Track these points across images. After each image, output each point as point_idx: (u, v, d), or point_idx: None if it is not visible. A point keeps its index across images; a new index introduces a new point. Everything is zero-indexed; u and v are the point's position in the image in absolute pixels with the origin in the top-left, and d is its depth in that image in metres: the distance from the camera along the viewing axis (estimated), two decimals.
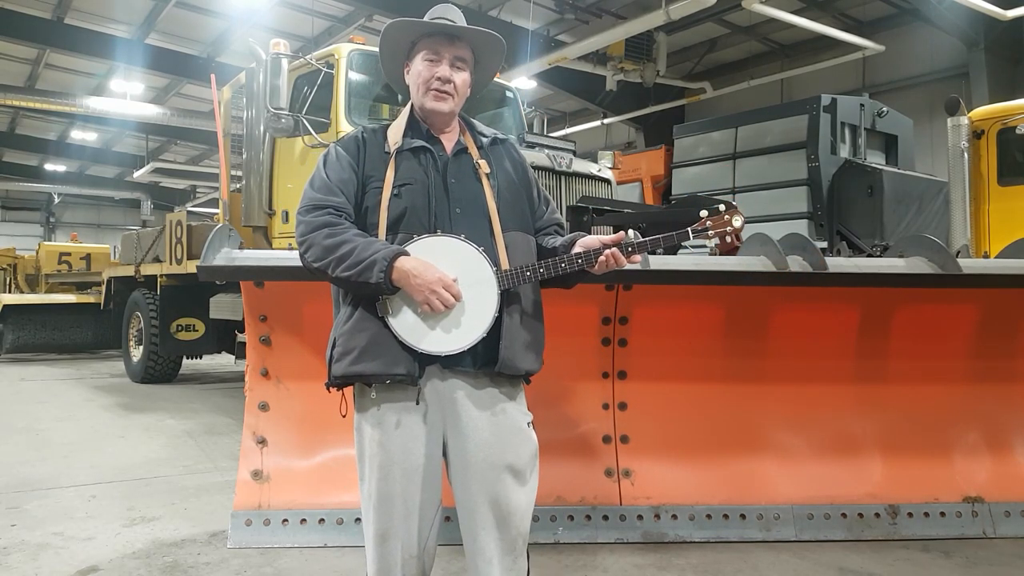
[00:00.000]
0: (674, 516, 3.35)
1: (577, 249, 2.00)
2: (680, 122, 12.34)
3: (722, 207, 2.06)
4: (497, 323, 1.92)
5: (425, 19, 2.06)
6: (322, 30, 14.69)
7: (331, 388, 2.01)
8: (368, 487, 1.97)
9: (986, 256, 6.43)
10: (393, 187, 1.97)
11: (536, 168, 5.22)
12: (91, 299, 11.81)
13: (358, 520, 3.22)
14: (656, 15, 10.91)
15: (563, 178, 5.41)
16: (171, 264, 8.01)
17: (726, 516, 3.36)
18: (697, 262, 3.35)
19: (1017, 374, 3.62)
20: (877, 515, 3.37)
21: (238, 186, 6.42)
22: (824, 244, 7.94)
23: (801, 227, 8.17)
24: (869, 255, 4.73)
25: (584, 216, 5.00)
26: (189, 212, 8.96)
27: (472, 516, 1.97)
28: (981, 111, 7.59)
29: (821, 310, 3.48)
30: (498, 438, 1.97)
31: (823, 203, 8.29)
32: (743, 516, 3.36)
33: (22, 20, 13.49)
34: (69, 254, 14.12)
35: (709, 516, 3.35)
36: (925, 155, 12.01)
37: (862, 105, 9.01)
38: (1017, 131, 7.08)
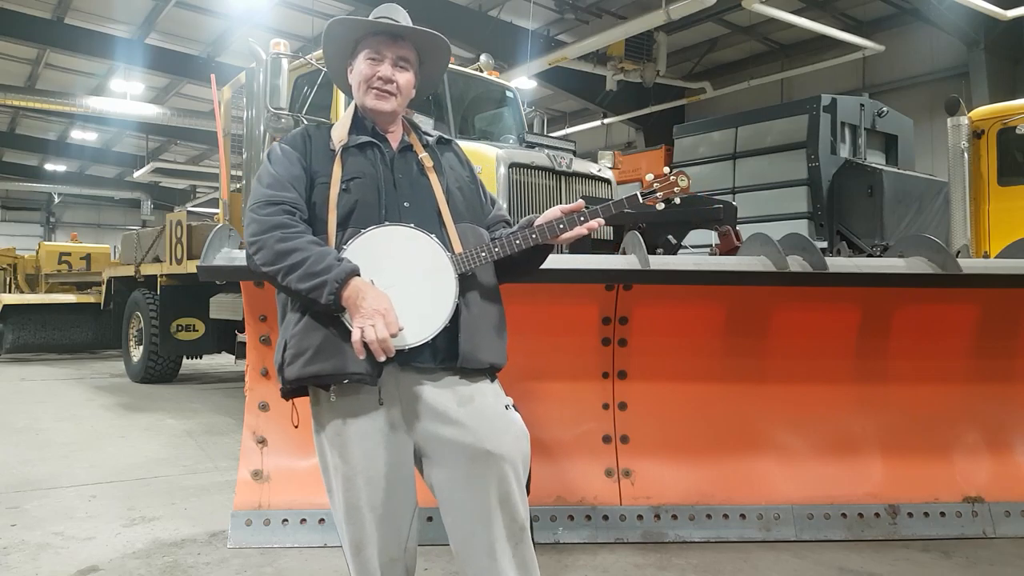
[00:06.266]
0: (674, 516, 3.35)
1: (556, 215, 1.97)
2: (680, 122, 12.35)
3: (667, 170, 2.12)
4: (454, 317, 1.87)
5: (368, 18, 2.03)
6: (322, 30, 14.68)
7: (285, 398, 1.93)
8: (336, 498, 1.93)
9: (986, 256, 6.43)
10: (342, 182, 1.93)
11: (536, 168, 5.22)
12: (91, 299, 11.81)
13: None
14: (656, 15, 10.93)
15: (563, 178, 5.40)
16: (171, 264, 8.01)
17: (726, 516, 3.36)
18: (697, 262, 3.35)
19: (1017, 374, 3.62)
20: (877, 515, 3.37)
21: (238, 186, 6.42)
22: (824, 244, 7.95)
23: (801, 227, 8.18)
24: (869, 255, 4.73)
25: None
26: (189, 212, 8.97)
27: (460, 510, 1.89)
28: (981, 111, 7.59)
29: (821, 310, 3.48)
30: (477, 423, 1.89)
31: (823, 203, 8.30)
32: (743, 516, 3.36)
33: (22, 20, 13.52)
34: (69, 254, 14.12)
35: (709, 516, 3.35)
36: (925, 155, 12.03)
37: (862, 105, 9.03)
38: (1017, 131, 7.08)
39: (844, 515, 3.37)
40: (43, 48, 15.20)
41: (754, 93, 15.26)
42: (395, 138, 2.07)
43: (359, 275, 1.79)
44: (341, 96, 5.41)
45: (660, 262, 3.24)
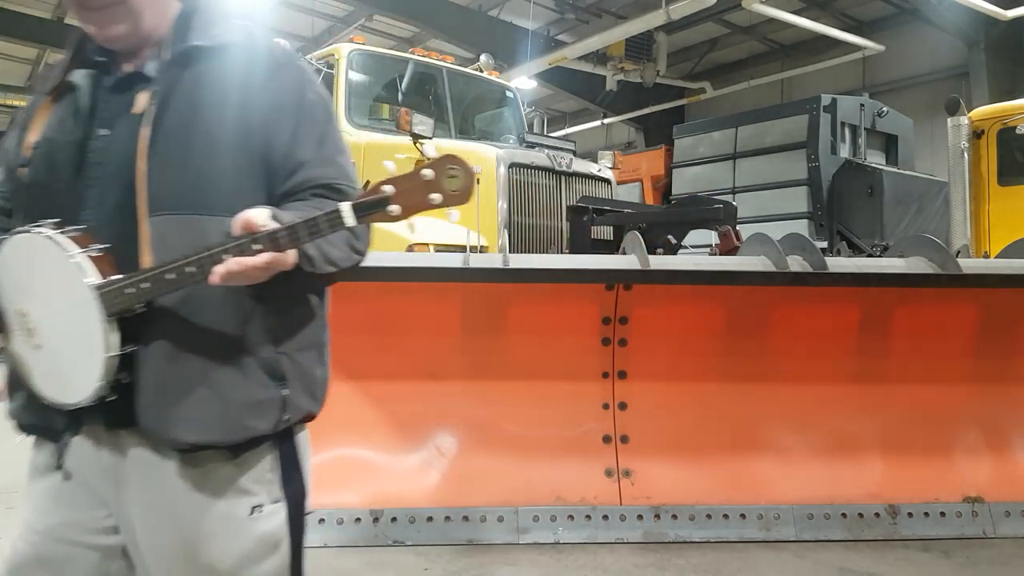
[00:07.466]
0: (674, 516, 3.35)
1: (236, 230, 1.13)
2: (680, 122, 12.37)
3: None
4: (132, 364, 1.21)
5: None
6: (322, 30, 14.71)
7: None
8: None
9: (986, 256, 6.44)
10: (28, 150, 1.33)
11: (536, 168, 5.21)
12: None
13: (358, 520, 3.22)
14: (656, 15, 10.93)
15: (563, 178, 5.40)
16: None
17: (726, 516, 3.35)
18: (697, 262, 3.35)
19: (1017, 374, 3.62)
20: (877, 515, 3.37)
21: None
22: (824, 244, 7.97)
23: (801, 227, 8.20)
24: (869, 255, 4.74)
25: (584, 216, 5.00)
26: None
27: None
28: (981, 111, 7.60)
29: (821, 310, 3.48)
30: (186, 532, 1.26)
31: (823, 203, 8.32)
32: (743, 516, 3.35)
33: (22, 20, 13.51)
34: None
35: (709, 516, 3.35)
36: (925, 155, 12.02)
37: (862, 105, 9.05)
38: (1017, 131, 7.08)
39: (844, 515, 3.36)
40: (43, 48, 15.20)
41: (754, 93, 15.26)
42: (137, 59, 1.35)
43: None
44: (341, 96, 5.40)
45: (660, 262, 3.24)
